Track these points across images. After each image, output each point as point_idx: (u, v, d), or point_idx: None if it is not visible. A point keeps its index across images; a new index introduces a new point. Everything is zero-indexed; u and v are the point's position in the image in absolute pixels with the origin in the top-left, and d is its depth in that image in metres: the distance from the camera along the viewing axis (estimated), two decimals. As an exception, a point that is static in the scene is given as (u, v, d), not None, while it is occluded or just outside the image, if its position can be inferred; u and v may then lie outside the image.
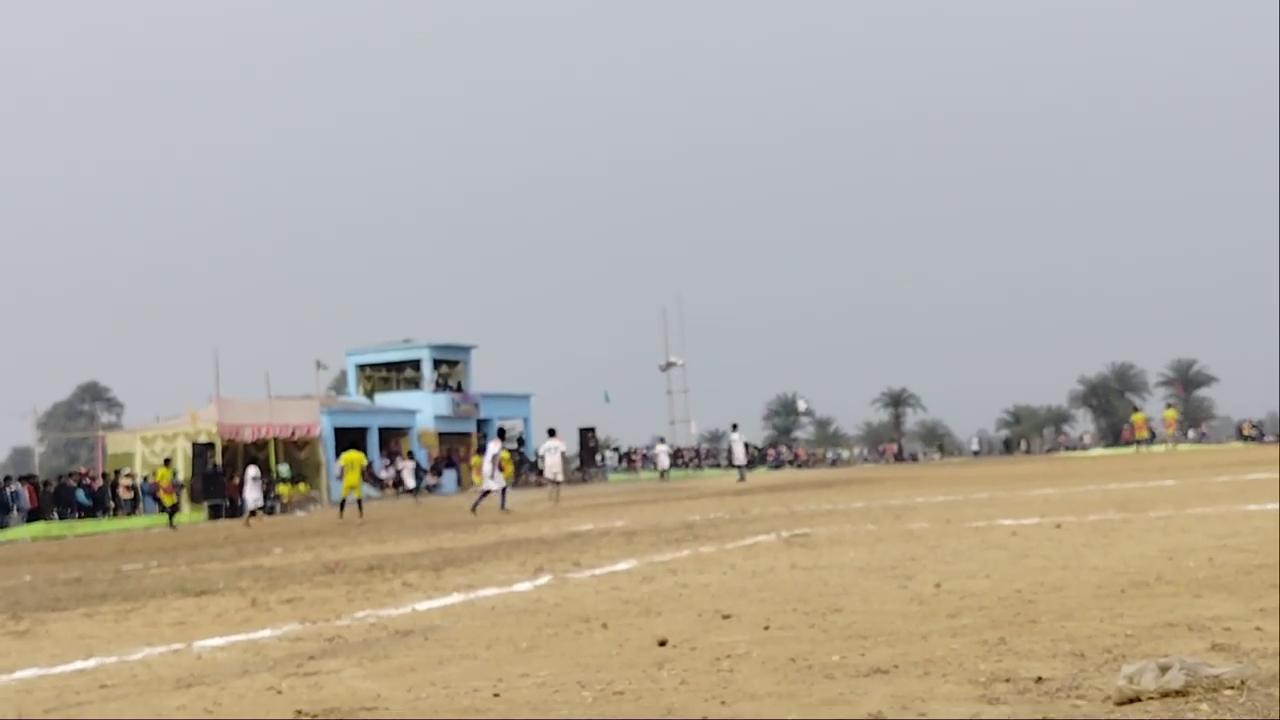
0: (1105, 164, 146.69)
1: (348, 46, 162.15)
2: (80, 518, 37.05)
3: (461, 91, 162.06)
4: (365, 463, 30.46)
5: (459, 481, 57.72)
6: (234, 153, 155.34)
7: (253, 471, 34.72)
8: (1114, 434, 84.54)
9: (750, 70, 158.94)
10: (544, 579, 9.73)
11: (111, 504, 38.94)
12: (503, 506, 26.00)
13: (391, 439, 61.00)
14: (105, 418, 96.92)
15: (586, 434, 61.72)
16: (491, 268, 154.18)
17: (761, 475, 54.94)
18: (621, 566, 10.36)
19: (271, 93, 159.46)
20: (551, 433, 31.34)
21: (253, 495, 34.14)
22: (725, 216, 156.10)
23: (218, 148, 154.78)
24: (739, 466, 44.08)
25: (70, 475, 40.72)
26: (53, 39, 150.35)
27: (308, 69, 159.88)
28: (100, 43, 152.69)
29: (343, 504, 29.52)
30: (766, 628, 6.32)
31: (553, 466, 30.48)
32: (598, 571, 10.06)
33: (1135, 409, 61.84)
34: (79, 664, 6.80)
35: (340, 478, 29.83)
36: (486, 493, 26.47)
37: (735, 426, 47.55)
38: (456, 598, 8.84)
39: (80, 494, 38.15)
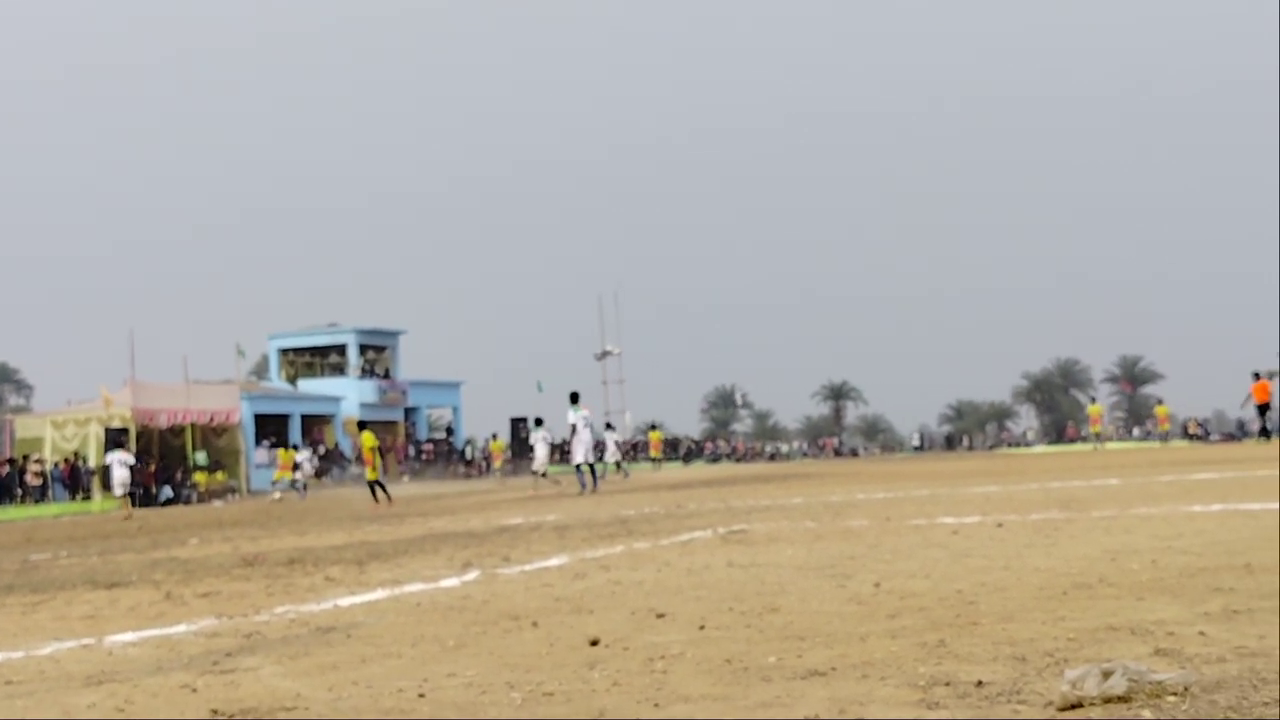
0: (1053, 158, 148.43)
1: (279, 30, 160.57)
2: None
3: (394, 78, 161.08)
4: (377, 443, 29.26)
5: (384, 471, 57.26)
6: (155, 133, 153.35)
7: (120, 455, 34.10)
8: (1058, 431, 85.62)
9: (690, 57, 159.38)
10: (472, 574, 9.55)
11: (19, 491, 38.28)
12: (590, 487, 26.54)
13: (315, 426, 60.47)
14: (13, 400, 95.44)
15: (518, 424, 61.27)
16: (422, 251, 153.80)
17: (699, 469, 55.11)
18: (553, 562, 10.20)
19: (195, 75, 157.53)
20: (574, 397, 28.71)
21: (119, 476, 33.48)
22: (664, 204, 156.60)
23: (138, 129, 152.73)
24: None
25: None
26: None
27: (236, 52, 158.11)
28: (10, 25, 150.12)
29: (373, 487, 27.90)
30: (702, 627, 6.18)
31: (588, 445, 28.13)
32: (528, 567, 9.89)
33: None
34: (-17, 659, 6.54)
35: (359, 461, 28.67)
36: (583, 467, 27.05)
37: (542, 423, 45.03)
38: (381, 593, 8.64)
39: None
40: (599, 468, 49.83)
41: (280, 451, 46.30)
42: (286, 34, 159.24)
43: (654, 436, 60.31)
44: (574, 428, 28.31)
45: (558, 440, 60.33)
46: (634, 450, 71.84)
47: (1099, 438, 54.14)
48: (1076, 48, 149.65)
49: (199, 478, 45.90)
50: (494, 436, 55.17)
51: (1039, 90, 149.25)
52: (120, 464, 33.83)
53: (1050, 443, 77.03)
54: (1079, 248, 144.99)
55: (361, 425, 30.73)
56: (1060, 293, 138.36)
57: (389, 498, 27.16)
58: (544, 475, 31.74)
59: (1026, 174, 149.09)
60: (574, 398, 28.29)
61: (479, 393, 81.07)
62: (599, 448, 55.94)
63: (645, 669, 5.22)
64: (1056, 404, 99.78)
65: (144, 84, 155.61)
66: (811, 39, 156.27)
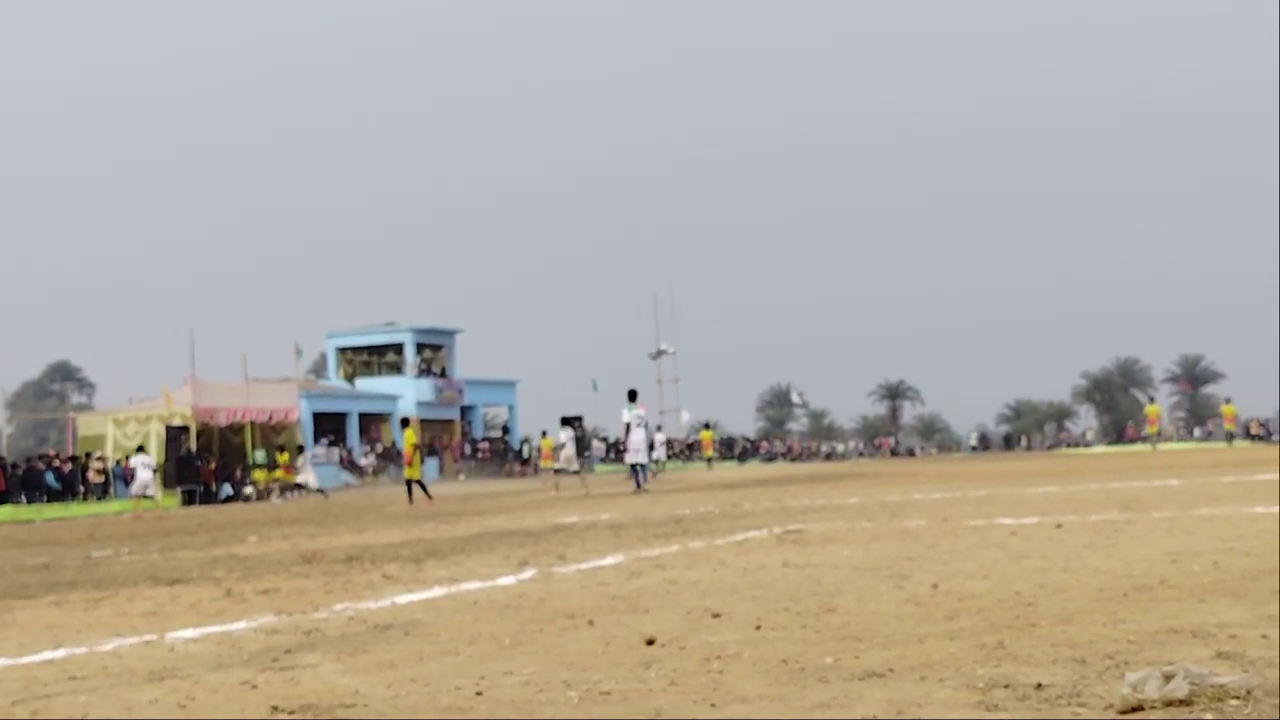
0: (1111, 153, 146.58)
1: (325, 26, 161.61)
2: (49, 501, 36.80)
3: (446, 73, 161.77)
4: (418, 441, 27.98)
5: (440, 470, 57.60)
6: (210, 133, 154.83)
7: (143, 459, 34.75)
8: (1117, 431, 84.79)
9: (744, 53, 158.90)
10: (528, 573, 9.58)
11: (81, 488, 38.73)
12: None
13: (372, 425, 60.90)
14: (76, 398, 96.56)
15: (571, 423, 61.37)
16: (477, 250, 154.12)
17: (754, 468, 55.04)
18: (608, 561, 10.20)
19: (247, 74, 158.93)
20: (632, 395, 28.04)
21: (142, 479, 34.13)
22: (719, 201, 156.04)
23: (195, 128, 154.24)
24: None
25: (39, 458, 40.47)
26: (15, 22, 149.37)
27: (285, 49, 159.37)
28: (65, 26, 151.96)
29: (410, 485, 26.77)
30: (758, 627, 6.17)
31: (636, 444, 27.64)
32: (584, 566, 9.91)
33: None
34: (47, 654, 6.63)
35: (409, 462, 27.10)
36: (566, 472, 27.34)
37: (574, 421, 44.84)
38: (438, 591, 8.68)
39: (49, 477, 37.90)
40: (653, 467, 49.16)
41: (279, 454, 46.29)
42: (332, 33, 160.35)
43: (706, 436, 60.01)
44: (628, 426, 27.82)
45: (613, 439, 60.52)
46: (689, 449, 71.86)
47: (1157, 438, 53.35)
48: (1129, 44, 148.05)
49: (258, 476, 46.28)
50: (544, 434, 55.08)
51: (1095, 85, 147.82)
52: (144, 466, 34.32)
53: (1110, 443, 76.29)
54: (1138, 243, 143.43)
55: (404, 422, 29.94)
56: (1120, 291, 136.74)
57: (428, 495, 26.37)
58: (562, 472, 31.10)
59: (1084, 171, 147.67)
60: (631, 396, 27.89)
61: (534, 391, 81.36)
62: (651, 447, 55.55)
63: (701, 669, 5.22)
64: (1116, 404, 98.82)
65: (197, 83, 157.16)
66: (870, 35, 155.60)
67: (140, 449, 36.71)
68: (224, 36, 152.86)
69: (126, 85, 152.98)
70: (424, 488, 26.68)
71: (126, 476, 41.27)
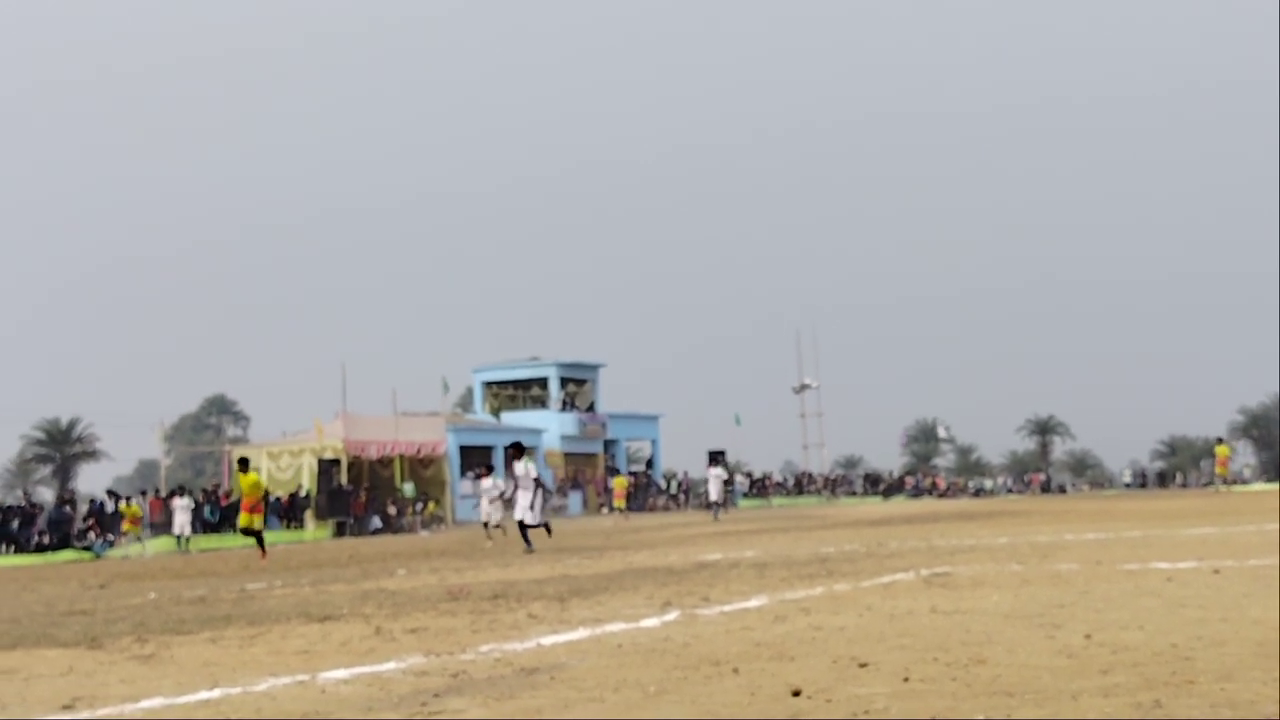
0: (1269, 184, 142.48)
1: (481, 69, 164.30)
2: (204, 533, 37.91)
3: (588, 107, 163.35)
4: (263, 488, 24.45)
5: (584, 503, 57.90)
6: (362, 168, 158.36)
7: (182, 501, 35.84)
8: (1277, 468, 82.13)
9: (887, 96, 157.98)
10: (672, 614, 9.55)
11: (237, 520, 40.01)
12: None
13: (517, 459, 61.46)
14: (232, 431, 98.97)
15: (715, 457, 61.28)
16: (621, 285, 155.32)
17: (900, 504, 54.49)
18: (752, 604, 10.12)
19: (397, 110, 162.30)
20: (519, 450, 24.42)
21: (180, 521, 35.23)
22: (863, 234, 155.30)
23: (346, 163, 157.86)
24: (714, 504, 41.52)
25: (203, 491, 41.73)
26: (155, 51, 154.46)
27: (426, 82, 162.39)
28: (209, 45, 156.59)
29: (252, 535, 23.88)
30: (906, 679, 6.06)
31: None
32: (727, 608, 9.84)
33: (1220, 441, 57.69)
34: (204, 694, 6.76)
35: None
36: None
37: (715, 459, 44.74)
38: (582, 632, 8.70)
39: (206, 510, 39.06)
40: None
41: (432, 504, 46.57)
42: (486, 71, 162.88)
43: (618, 484, 54.27)
44: (516, 481, 24.77)
45: (758, 475, 60.10)
46: (834, 485, 71.30)
47: (1223, 481, 51.13)
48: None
49: (431, 507, 47.25)
50: (615, 473, 54.47)
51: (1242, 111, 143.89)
52: (182, 509, 35.61)
53: (1268, 480, 73.79)
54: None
55: (243, 464, 25.99)
56: (1277, 323, 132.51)
57: (263, 550, 23.53)
58: (497, 527, 30.00)
59: (1237, 203, 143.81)
60: (519, 450, 23.83)
61: (677, 425, 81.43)
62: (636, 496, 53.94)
63: (849, 722, 5.14)
64: (1274, 440, 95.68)
65: (351, 119, 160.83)
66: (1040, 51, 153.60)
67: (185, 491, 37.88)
68: (350, 74, 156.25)
69: (280, 132, 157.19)
70: (260, 541, 23.72)
71: (285, 509, 42.25)
